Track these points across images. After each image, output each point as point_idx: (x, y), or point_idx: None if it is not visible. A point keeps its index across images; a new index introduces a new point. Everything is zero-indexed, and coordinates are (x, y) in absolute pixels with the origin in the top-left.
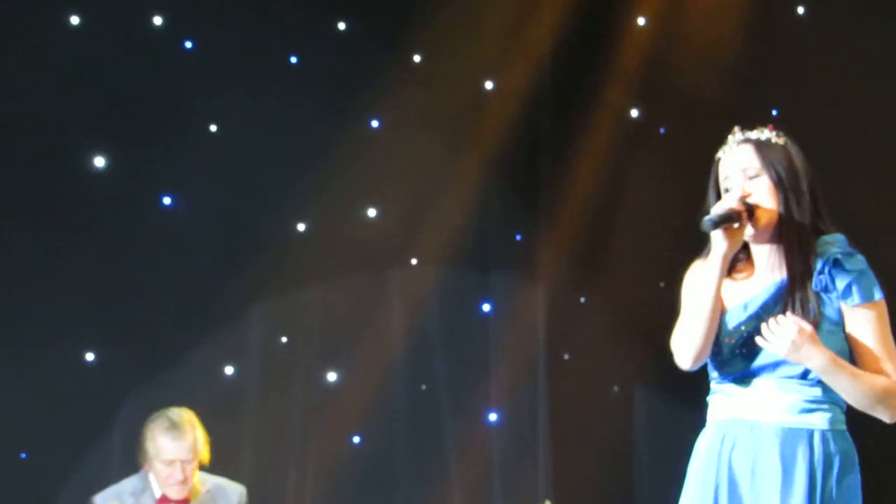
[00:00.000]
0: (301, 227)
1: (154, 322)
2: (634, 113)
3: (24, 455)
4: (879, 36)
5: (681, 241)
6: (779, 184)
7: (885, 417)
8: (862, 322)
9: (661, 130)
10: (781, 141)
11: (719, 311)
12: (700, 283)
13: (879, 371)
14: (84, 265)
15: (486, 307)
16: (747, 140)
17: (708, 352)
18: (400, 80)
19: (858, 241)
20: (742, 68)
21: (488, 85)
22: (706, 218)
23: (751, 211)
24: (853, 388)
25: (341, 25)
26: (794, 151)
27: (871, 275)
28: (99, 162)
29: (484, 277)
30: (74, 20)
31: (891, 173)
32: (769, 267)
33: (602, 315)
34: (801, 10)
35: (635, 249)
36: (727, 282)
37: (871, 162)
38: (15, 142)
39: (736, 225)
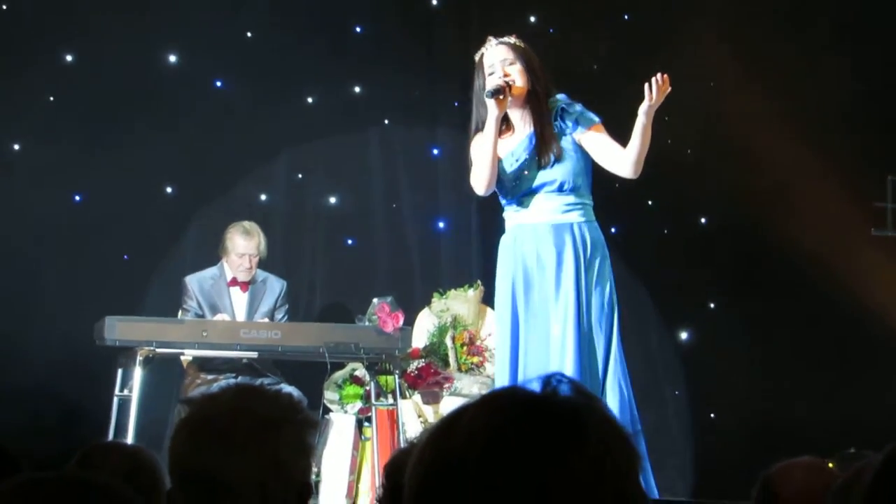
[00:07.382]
0: None
1: None
2: None
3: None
4: None
5: None
6: (526, 68)
7: (633, 173)
8: (596, 137)
9: None
10: (521, 44)
11: (497, 157)
12: (483, 140)
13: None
14: None
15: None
16: (502, 42)
17: (493, 184)
18: None
19: None
20: None
21: None
22: (485, 91)
23: (510, 86)
24: (648, 141)
25: None
26: (530, 49)
27: (586, 111)
28: None
29: None
30: None
31: None
32: (522, 124)
33: None
34: None
35: None
36: (499, 140)
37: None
38: None
39: (502, 96)
